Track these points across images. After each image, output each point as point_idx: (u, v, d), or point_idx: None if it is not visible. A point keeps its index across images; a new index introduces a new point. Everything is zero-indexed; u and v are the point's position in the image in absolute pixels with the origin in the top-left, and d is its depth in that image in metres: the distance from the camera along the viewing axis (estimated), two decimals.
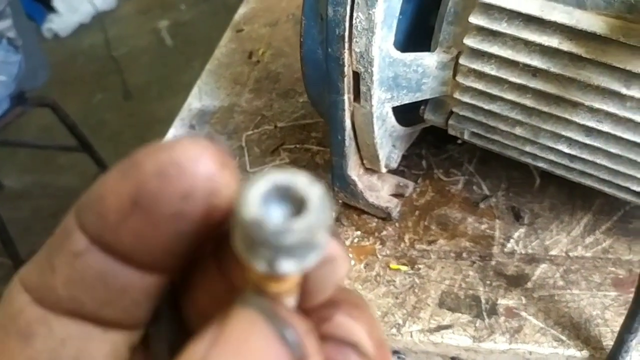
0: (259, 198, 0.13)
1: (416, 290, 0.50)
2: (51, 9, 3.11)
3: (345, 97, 0.48)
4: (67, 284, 0.15)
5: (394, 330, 0.48)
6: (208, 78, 0.78)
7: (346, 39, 0.44)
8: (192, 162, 0.14)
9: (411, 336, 0.47)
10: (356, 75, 0.46)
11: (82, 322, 0.16)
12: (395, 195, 0.57)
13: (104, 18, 3.06)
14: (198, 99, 0.75)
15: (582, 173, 0.47)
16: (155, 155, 0.14)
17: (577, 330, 0.45)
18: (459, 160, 0.59)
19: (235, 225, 0.13)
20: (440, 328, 0.47)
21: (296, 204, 0.13)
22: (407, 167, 0.60)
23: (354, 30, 0.43)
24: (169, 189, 0.14)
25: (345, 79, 0.46)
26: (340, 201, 0.57)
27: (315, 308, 0.16)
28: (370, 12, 0.42)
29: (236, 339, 0.13)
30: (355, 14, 0.43)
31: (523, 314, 0.47)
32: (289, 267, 0.13)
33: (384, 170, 0.55)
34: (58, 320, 0.15)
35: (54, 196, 2.22)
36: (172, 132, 0.72)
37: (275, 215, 0.13)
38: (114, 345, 0.16)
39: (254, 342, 0.13)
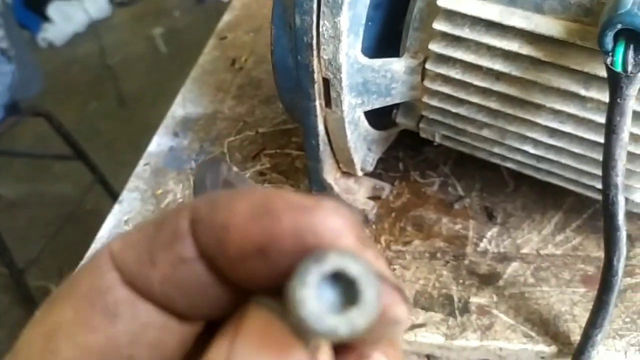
0: (314, 291, 0.13)
1: None
2: (46, 19, 3.12)
3: (317, 103, 0.49)
4: (165, 282, 0.16)
5: None
6: (192, 85, 0.79)
7: (314, 47, 0.45)
8: (332, 237, 0.14)
9: None
10: (326, 82, 0.47)
11: (165, 312, 0.16)
12: (372, 198, 0.58)
13: (99, 27, 3.07)
14: (182, 107, 0.77)
15: (550, 173, 0.48)
16: (295, 213, 0.14)
17: (546, 326, 0.46)
18: (435, 162, 0.61)
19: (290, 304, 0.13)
20: (413, 327, 0.48)
21: (349, 293, 0.13)
22: (384, 169, 0.61)
23: (321, 38, 0.44)
24: (302, 251, 0.14)
25: (316, 86, 0.47)
26: None
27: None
28: (336, 20, 0.43)
29: (256, 335, 0.14)
30: (321, 22, 0.44)
31: (494, 311, 0.48)
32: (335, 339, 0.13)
33: (360, 173, 0.56)
34: (144, 306, 0.16)
35: (49, 205, 2.23)
36: (155, 140, 0.73)
37: (327, 304, 0.13)
38: (184, 335, 0.17)
39: (272, 337, 0.14)
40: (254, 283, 0.15)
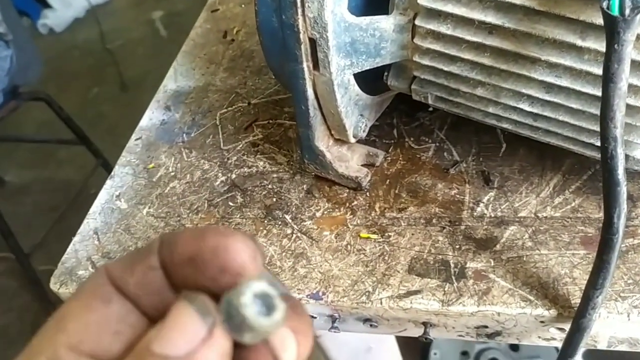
0: (250, 301, 0.21)
1: (386, 258, 0.50)
2: (46, 5, 3.10)
3: (305, 65, 0.47)
4: (136, 285, 0.23)
5: (363, 298, 0.47)
6: (183, 59, 0.78)
7: (299, 5, 0.43)
8: (237, 253, 0.22)
9: (381, 303, 0.47)
10: (312, 42, 0.45)
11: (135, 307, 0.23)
12: (366, 165, 0.56)
13: (98, 11, 3.05)
14: (173, 80, 0.75)
15: (547, 132, 0.47)
16: (216, 237, 0.22)
17: (545, 289, 0.45)
18: (430, 128, 0.59)
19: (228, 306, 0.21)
20: (409, 294, 0.47)
21: (268, 306, 0.21)
22: (378, 136, 0.59)
23: None
24: (215, 262, 0.22)
25: (302, 46, 0.46)
26: (312, 173, 0.57)
27: None
28: None
29: (173, 320, 0.21)
30: None
31: (491, 276, 0.46)
32: (250, 341, 0.21)
33: (352, 140, 0.54)
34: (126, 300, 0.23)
35: (54, 190, 2.23)
36: (147, 115, 0.72)
37: (255, 313, 0.21)
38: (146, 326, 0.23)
39: (182, 319, 0.21)
40: (188, 285, 0.22)
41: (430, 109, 0.60)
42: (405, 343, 1.13)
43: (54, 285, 0.55)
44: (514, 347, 1.37)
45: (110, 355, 0.22)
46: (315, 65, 0.47)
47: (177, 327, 0.20)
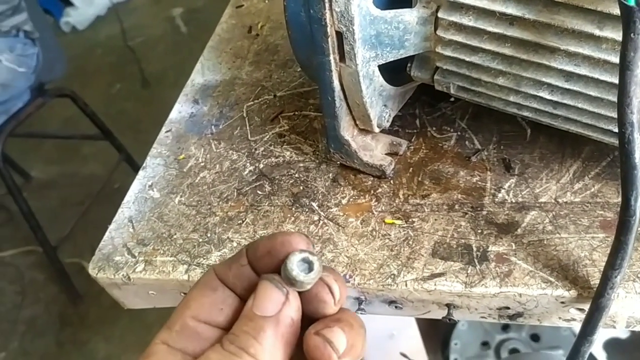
0: (295, 264, 0.33)
1: (410, 242, 0.52)
2: (68, 3, 3.16)
3: (331, 57, 0.49)
4: (234, 277, 0.36)
5: (389, 281, 0.49)
6: (210, 54, 0.80)
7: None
8: (295, 243, 0.35)
9: (406, 285, 0.49)
10: (339, 35, 0.47)
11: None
12: (390, 154, 0.58)
13: (119, 9, 3.10)
14: (201, 75, 0.78)
15: (567, 119, 0.48)
16: (282, 235, 0.35)
17: (565, 271, 0.46)
18: (452, 118, 0.61)
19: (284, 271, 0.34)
20: (433, 276, 0.49)
21: (308, 267, 0.33)
22: (401, 127, 0.61)
23: None
24: (284, 250, 0.34)
25: (329, 40, 0.48)
26: (337, 162, 0.59)
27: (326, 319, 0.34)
28: None
29: (262, 293, 0.33)
30: None
31: (513, 259, 0.48)
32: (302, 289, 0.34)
33: (376, 130, 0.56)
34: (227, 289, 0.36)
35: (79, 185, 2.28)
36: (176, 108, 0.74)
37: (297, 272, 0.33)
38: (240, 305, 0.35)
39: (267, 292, 0.33)
40: (267, 272, 0.35)
41: (452, 99, 0.62)
42: (426, 331, 1.15)
43: (92, 271, 0.58)
44: (535, 338, 1.38)
45: (217, 323, 0.35)
46: (342, 58, 0.49)
47: (266, 296, 0.33)
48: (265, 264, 0.35)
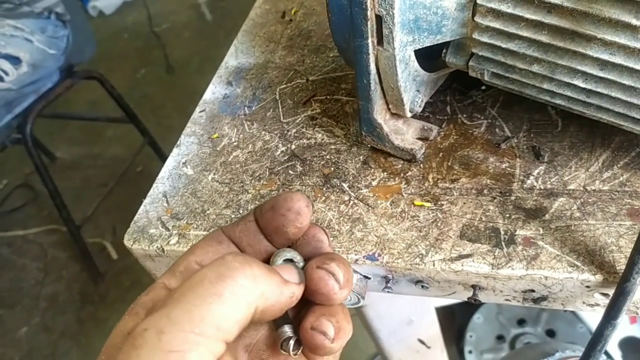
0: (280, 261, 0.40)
1: (439, 224, 0.53)
2: None
3: (369, 40, 0.50)
4: (239, 232, 0.40)
5: (417, 260, 0.51)
6: (243, 38, 0.82)
7: None
8: (295, 204, 0.39)
9: (433, 265, 0.50)
10: (379, 19, 0.49)
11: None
12: (420, 139, 0.60)
13: None
14: (234, 57, 0.79)
15: (599, 108, 0.49)
16: (286, 194, 0.39)
17: (591, 256, 0.47)
18: (482, 105, 0.62)
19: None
20: (460, 257, 0.50)
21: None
22: (432, 113, 0.62)
23: None
24: (285, 205, 0.39)
25: (369, 23, 0.49)
26: (368, 145, 0.61)
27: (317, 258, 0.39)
28: None
29: (288, 271, 0.38)
30: None
31: (540, 243, 0.49)
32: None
33: (408, 114, 0.57)
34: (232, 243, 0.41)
35: (103, 166, 2.32)
36: (210, 89, 0.76)
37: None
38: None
39: (292, 270, 0.39)
40: (270, 226, 0.40)
41: (483, 87, 0.63)
42: (442, 322, 1.16)
43: (127, 242, 0.60)
44: (550, 333, 1.38)
45: None
46: (379, 41, 0.51)
47: (290, 271, 0.38)
48: (267, 219, 0.39)
